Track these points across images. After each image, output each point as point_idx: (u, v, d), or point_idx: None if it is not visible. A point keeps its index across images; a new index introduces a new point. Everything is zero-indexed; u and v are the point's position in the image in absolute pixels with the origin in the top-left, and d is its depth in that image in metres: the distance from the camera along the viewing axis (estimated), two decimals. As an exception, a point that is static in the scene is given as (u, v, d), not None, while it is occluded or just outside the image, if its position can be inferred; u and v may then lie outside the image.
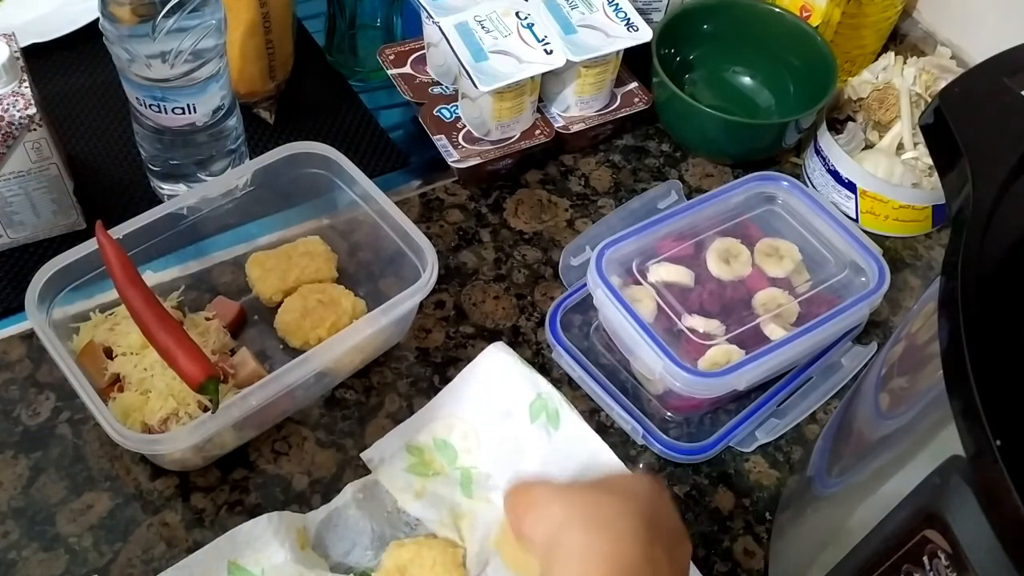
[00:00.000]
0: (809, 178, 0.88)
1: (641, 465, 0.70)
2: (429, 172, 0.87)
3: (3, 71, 0.69)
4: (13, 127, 0.69)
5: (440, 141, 0.84)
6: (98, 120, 0.86)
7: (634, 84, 0.91)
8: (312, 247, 0.76)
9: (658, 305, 0.70)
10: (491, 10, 0.83)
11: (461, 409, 0.69)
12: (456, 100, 0.86)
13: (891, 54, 0.91)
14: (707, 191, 0.80)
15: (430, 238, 0.70)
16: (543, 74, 0.82)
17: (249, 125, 0.84)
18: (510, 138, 0.84)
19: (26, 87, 0.70)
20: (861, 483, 0.52)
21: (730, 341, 0.69)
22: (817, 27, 0.90)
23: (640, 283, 0.72)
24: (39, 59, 0.88)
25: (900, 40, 1.02)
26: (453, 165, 0.83)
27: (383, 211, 0.71)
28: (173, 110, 0.71)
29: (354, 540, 0.64)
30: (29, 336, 0.72)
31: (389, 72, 0.89)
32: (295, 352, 0.71)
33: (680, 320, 0.69)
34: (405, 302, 0.67)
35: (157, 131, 0.74)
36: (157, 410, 0.64)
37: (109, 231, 0.65)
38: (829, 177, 0.85)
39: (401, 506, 0.66)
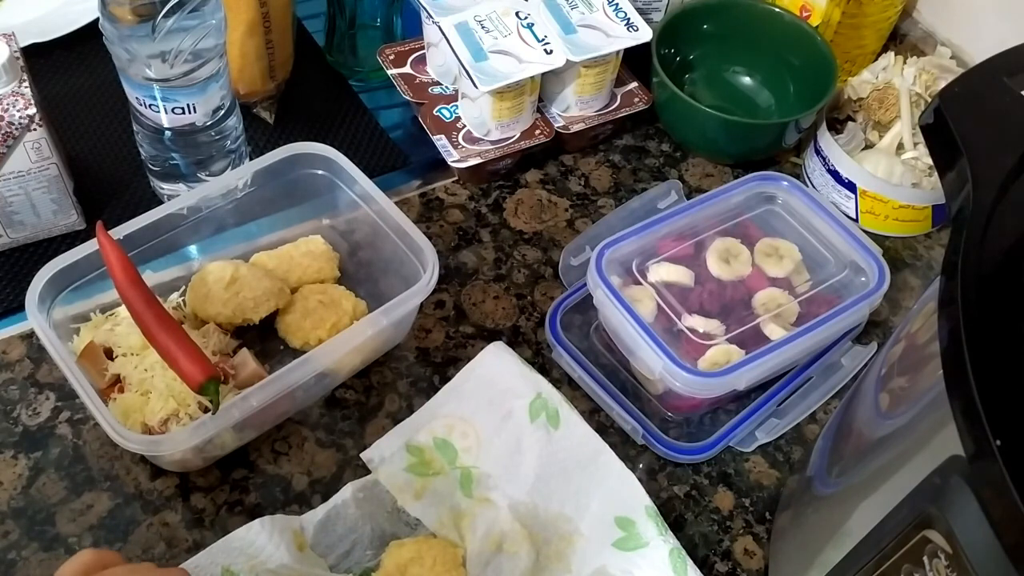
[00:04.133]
0: (809, 178, 0.88)
1: (641, 465, 0.70)
2: (429, 172, 0.87)
3: (3, 71, 0.69)
4: (13, 127, 0.69)
5: (440, 141, 0.84)
6: (98, 120, 0.86)
7: (634, 84, 0.91)
8: (314, 246, 0.76)
9: (658, 305, 0.70)
10: (491, 10, 0.83)
11: (461, 409, 0.70)
12: (456, 100, 0.86)
13: (891, 54, 0.91)
14: (707, 191, 0.80)
15: (430, 238, 0.70)
16: (543, 74, 0.82)
17: (249, 125, 0.84)
18: (510, 138, 0.84)
19: (26, 87, 0.70)
20: (861, 483, 0.52)
21: (730, 341, 0.69)
22: (817, 27, 0.90)
23: (640, 283, 0.71)
24: (39, 59, 0.88)
25: (900, 40, 1.02)
26: (453, 165, 0.84)
27: (383, 211, 0.71)
28: (173, 110, 0.71)
29: (354, 540, 0.64)
30: (29, 336, 0.72)
31: (389, 72, 0.89)
32: (295, 353, 0.71)
33: (680, 320, 0.69)
34: (406, 303, 0.67)
35: (157, 131, 0.74)
36: (157, 411, 0.64)
37: (109, 231, 0.65)
38: (829, 177, 0.85)
39: (401, 506, 0.66)
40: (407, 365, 0.74)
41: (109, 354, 0.67)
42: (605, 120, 0.88)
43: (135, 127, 0.76)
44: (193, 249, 0.73)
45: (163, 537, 0.64)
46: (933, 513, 0.41)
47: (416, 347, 0.75)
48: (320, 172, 0.74)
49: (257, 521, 0.61)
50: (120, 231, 0.67)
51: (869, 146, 0.87)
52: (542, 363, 0.75)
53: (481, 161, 0.83)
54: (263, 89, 0.87)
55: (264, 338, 0.73)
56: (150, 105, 0.71)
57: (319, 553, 0.63)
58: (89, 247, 0.66)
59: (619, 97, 0.89)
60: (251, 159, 0.75)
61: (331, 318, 0.71)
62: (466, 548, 0.64)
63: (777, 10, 0.92)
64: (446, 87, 0.88)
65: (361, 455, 0.68)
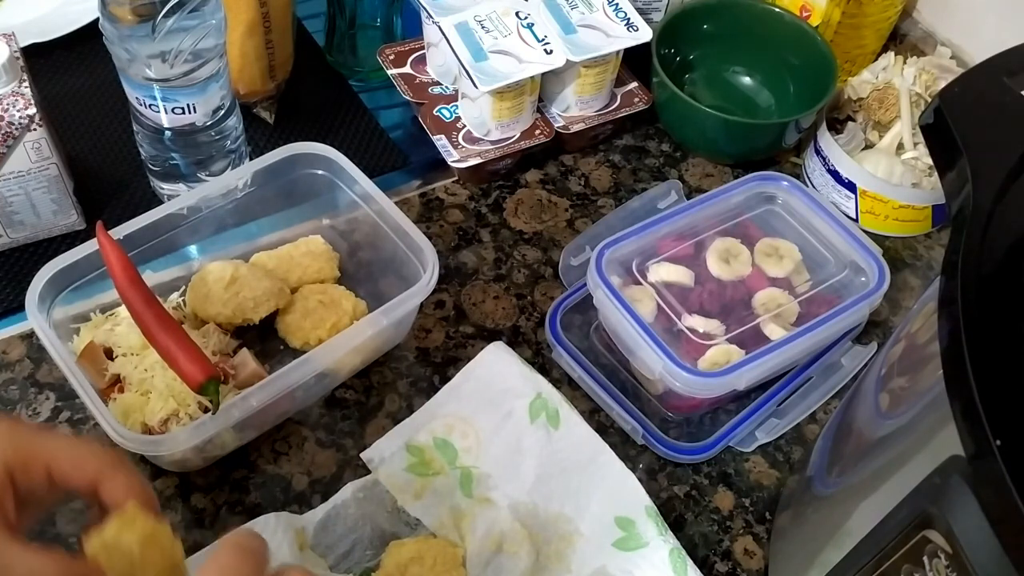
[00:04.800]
0: (809, 178, 0.88)
1: (641, 465, 0.70)
2: (429, 172, 0.87)
3: (3, 71, 0.69)
4: (13, 127, 0.69)
5: (440, 141, 0.84)
6: (98, 120, 0.86)
7: (634, 84, 0.91)
8: (314, 246, 0.76)
9: (658, 305, 0.70)
10: (491, 10, 0.83)
11: (461, 409, 0.70)
12: (456, 100, 0.86)
13: (891, 54, 0.91)
14: (707, 191, 0.80)
15: (430, 238, 0.70)
16: (543, 74, 0.82)
17: (249, 125, 0.84)
18: (510, 138, 0.84)
19: (26, 87, 0.70)
20: (861, 483, 0.52)
21: (730, 341, 0.69)
22: (817, 27, 0.90)
23: (640, 283, 0.71)
24: (39, 59, 0.88)
25: (900, 40, 1.02)
26: (453, 165, 0.84)
27: (383, 211, 0.71)
28: (173, 110, 0.71)
29: (354, 540, 0.64)
30: (29, 336, 0.72)
31: (389, 72, 0.89)
32: (295, 353, 0.71)
33: (680, 320, 0.69)
34: (406, 303, 0.67)
35: (157, 131, 0.74)
36: (157, 411, 0.64)
37: (109, 231, 0.65)
38: (829, 177, 0.85)
39: (401, 506, 0.66)
40: (407, 365, 0.74)
41: (109, 354, 0.67)
42: (605, 120, 0.88)
43: (135, 127, 0.76)
44: (193, 249, 0.73)
45: (163, 537, 0.64)
46: (933, 513, 0.41)
47: (416, 347, 0.75)
48: (320, 172, 0.74)
49: (262, 517, 0.61)
50: (120, 231, 0.67)
51: (869, 146, 0.87)
52: (542, 363, 0.75)
53: (481, 161, 0.83)
54: (263, 89, 0.87)
55: (264, 338, 0.73)
56: (150, 105, 0.71)
57: (319, 553, 0.63)
58: (89, 247, 0.66)
59: (619, 97, 0.89)
60: (251, 159, 0.75)
61: (331, 318, 0.71)
62: (466, 548, 0.64)
63: (777, 10, 0.92)
64: (446, 87, 0.88)
65: (361, 455, 0.68)
